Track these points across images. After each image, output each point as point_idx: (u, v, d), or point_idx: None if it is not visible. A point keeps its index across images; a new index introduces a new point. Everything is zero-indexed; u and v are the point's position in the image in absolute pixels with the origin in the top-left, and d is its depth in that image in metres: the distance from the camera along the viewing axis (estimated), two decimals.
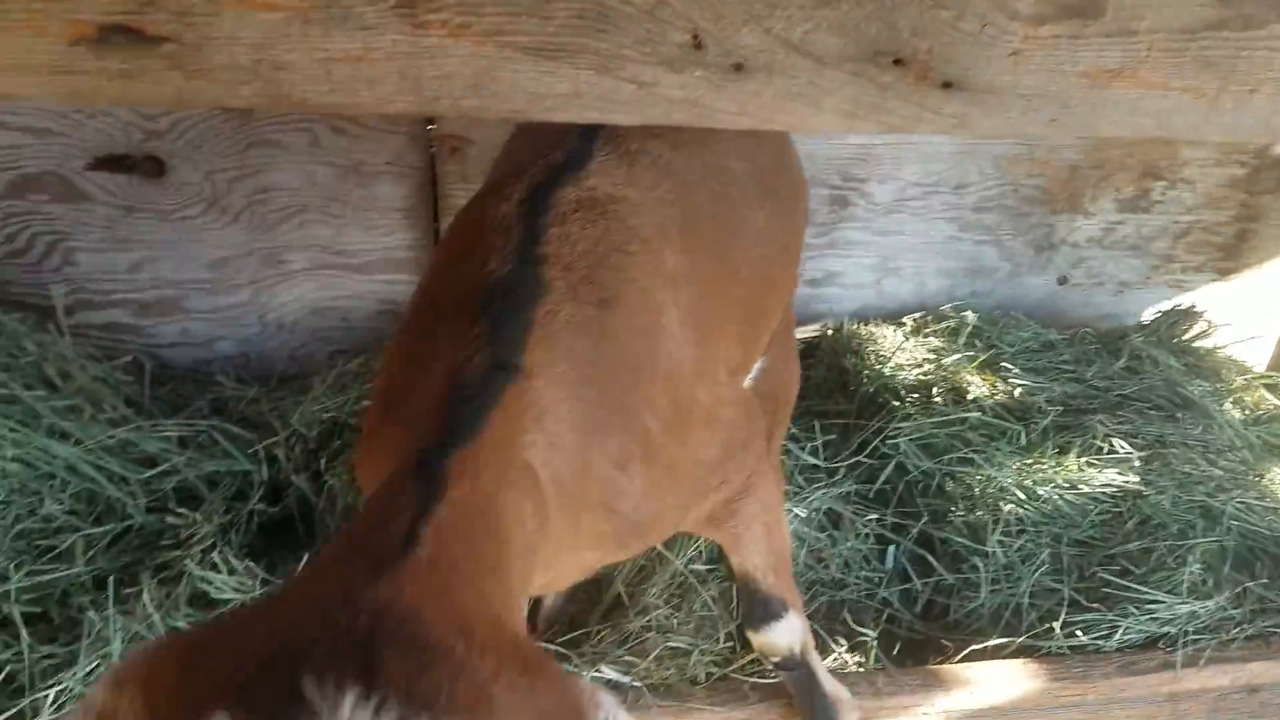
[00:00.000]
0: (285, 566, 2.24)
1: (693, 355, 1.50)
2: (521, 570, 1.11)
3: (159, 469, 2.33)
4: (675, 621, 2.08)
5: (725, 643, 2.05)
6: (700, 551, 2.19)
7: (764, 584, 1.73)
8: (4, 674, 1.88)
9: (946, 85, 1.26)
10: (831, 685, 1.89)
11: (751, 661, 1.98)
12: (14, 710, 1.83)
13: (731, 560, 1.76)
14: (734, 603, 2.08)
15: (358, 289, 2.90)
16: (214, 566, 2.04)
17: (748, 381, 1.97)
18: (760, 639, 1.80)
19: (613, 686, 1.91)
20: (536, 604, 2.18)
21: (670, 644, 1.99)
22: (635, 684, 1.92)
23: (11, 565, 2.03)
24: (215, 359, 2.91)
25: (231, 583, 2.04)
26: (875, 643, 2.18)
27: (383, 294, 2.92)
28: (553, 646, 2.06)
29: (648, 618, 2.08)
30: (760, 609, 1.76)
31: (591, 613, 2.19)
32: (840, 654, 2.14)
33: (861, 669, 2.12)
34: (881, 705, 1.99)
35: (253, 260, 2.78)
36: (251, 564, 2.10)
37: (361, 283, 2.88)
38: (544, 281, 1.34)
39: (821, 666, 1.89)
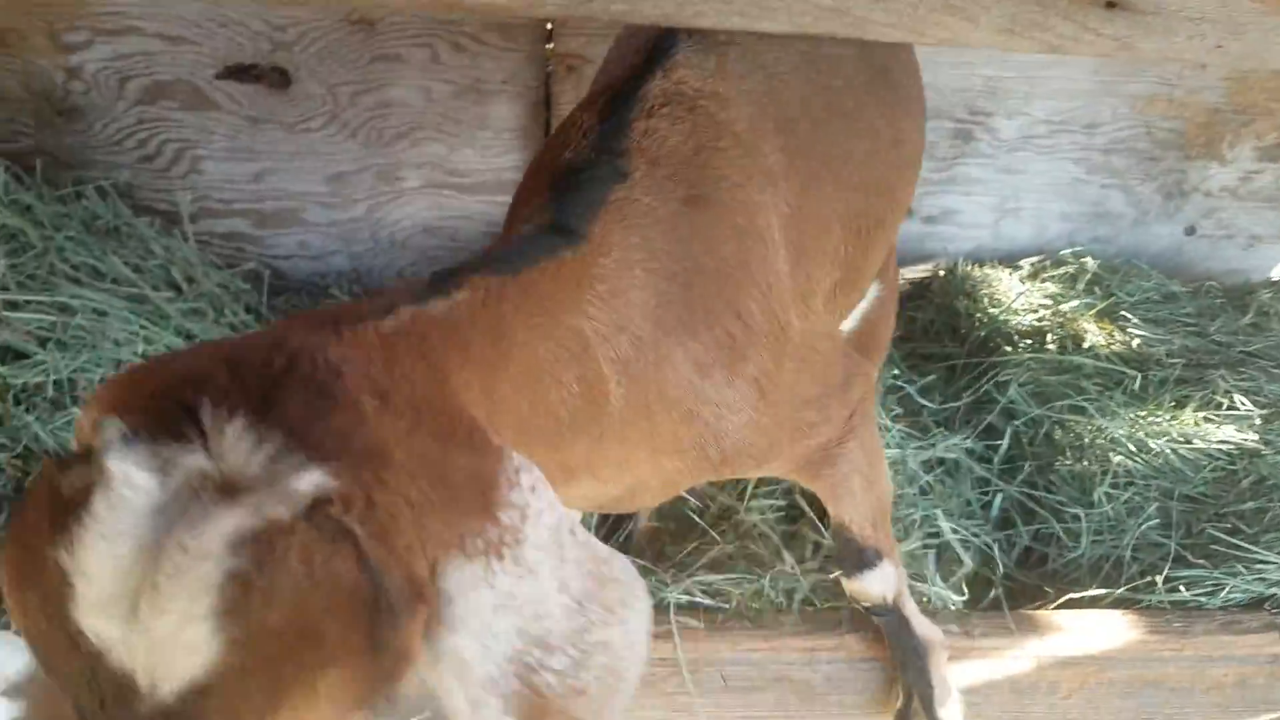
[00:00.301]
0: None
1: (789, 271, 1.41)
2: (557, 437, 1.07)
3: None
4: (764, 549, 2.09)
5: (816, 571, 2.06)
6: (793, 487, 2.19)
7: (860, 536, 1.69)
8: None
9: (1110, 4, 1.20)
10: (923, 628, 1.87)
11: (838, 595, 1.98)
12: None
13: (828, 509, 1.70)
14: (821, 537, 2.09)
15: (467, 209, 2.93)
16: None
17: (856, 312, 1.93)
18: (853, 586, 1.78)
19: (698, 608, 1.93)
20: (627, 525, 2.21)
21: (754, 571, 2.00)
22: (723, 605, 1.94)
23: None
24: (329, 273, 2.99)
25: None
26: (968, 586, 2.16)
27: (491, 215, 2.94)
28: (640, 561, 2.09)
29: (736, 544, 2.10)
30: (854, 558, 1.73)
31: (685, 538, 2.22)
32: (935, 593, 2.13)
33: (955, 610, 2.11)
34: (973, 646, 1.98)
35: (369, 176, 2.83)
36: None
37: (471, 203, 2.91)
38: (623, 171, 1.27)
39: (914, 611, 1.87)
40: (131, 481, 0.70)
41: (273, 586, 0.69)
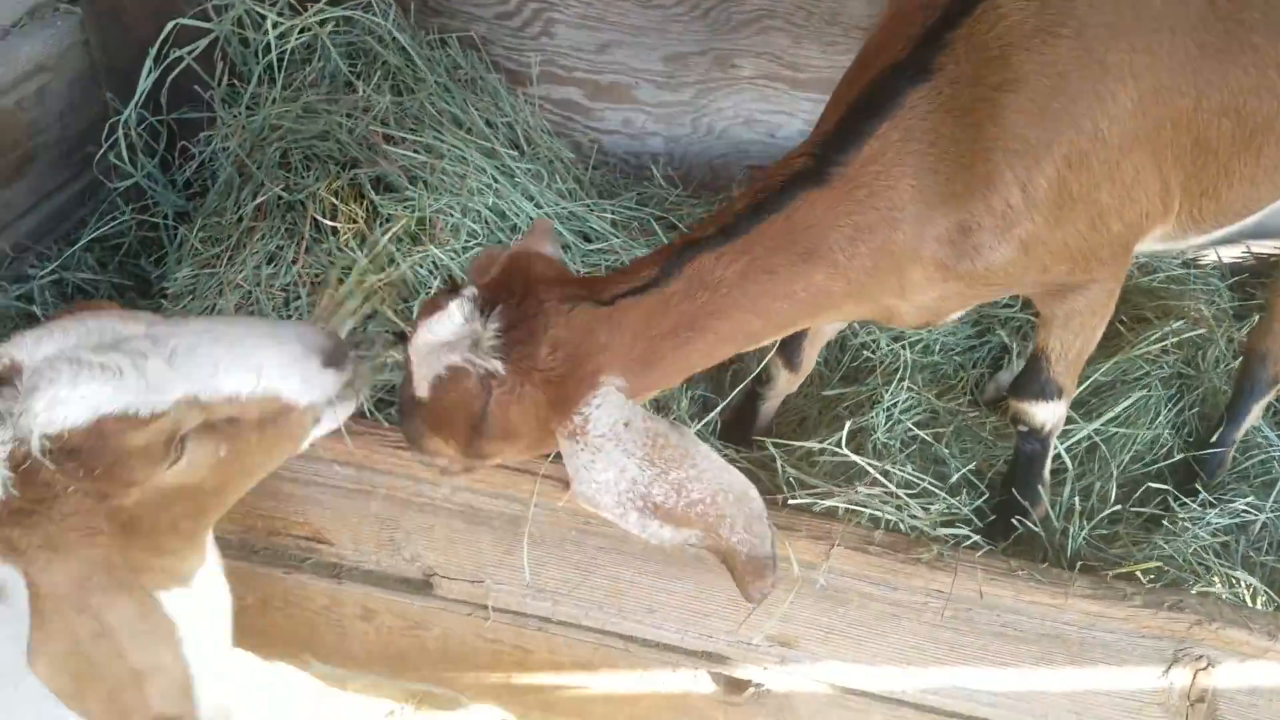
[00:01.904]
0: None
1: (1107, 162, 1.58)
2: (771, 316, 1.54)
3: (595, 245, 2.53)
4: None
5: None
6: None
7: (1052, 367, 1.82)
8: None
9: None
10: (1047, 476, 1.96)
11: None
12: None
13: (1038, 333, 1.86)
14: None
15: (792, 105, 2.90)
16: None
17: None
18: (1023, 406, 1.88)
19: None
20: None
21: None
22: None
23: None
24: (645, 153, 3.06)
25: None
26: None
27: (813, 115, 2.90)
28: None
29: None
30: (1037, 385, 1.85)
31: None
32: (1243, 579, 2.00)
33: (1265, 611, 1.97)
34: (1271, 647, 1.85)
35: (706, 60, 2.85)
36: None
37: (800, 99, 2.87)
38: (929, 68, 1.52)
39: (1050, 456, 1.96)
40: (451, 315, 1.41)
41: (451, 387, 1.42)
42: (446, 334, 1.39)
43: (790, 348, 2.12)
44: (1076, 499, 1.98)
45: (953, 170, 1.53)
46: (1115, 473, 2.10)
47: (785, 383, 2.21)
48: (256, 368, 1.38)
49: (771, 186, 1.52)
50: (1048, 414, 1.87)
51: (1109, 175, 1.61)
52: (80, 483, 1.27)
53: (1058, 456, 2.08)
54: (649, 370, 1.48)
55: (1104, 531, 1.95)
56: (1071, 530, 1.90)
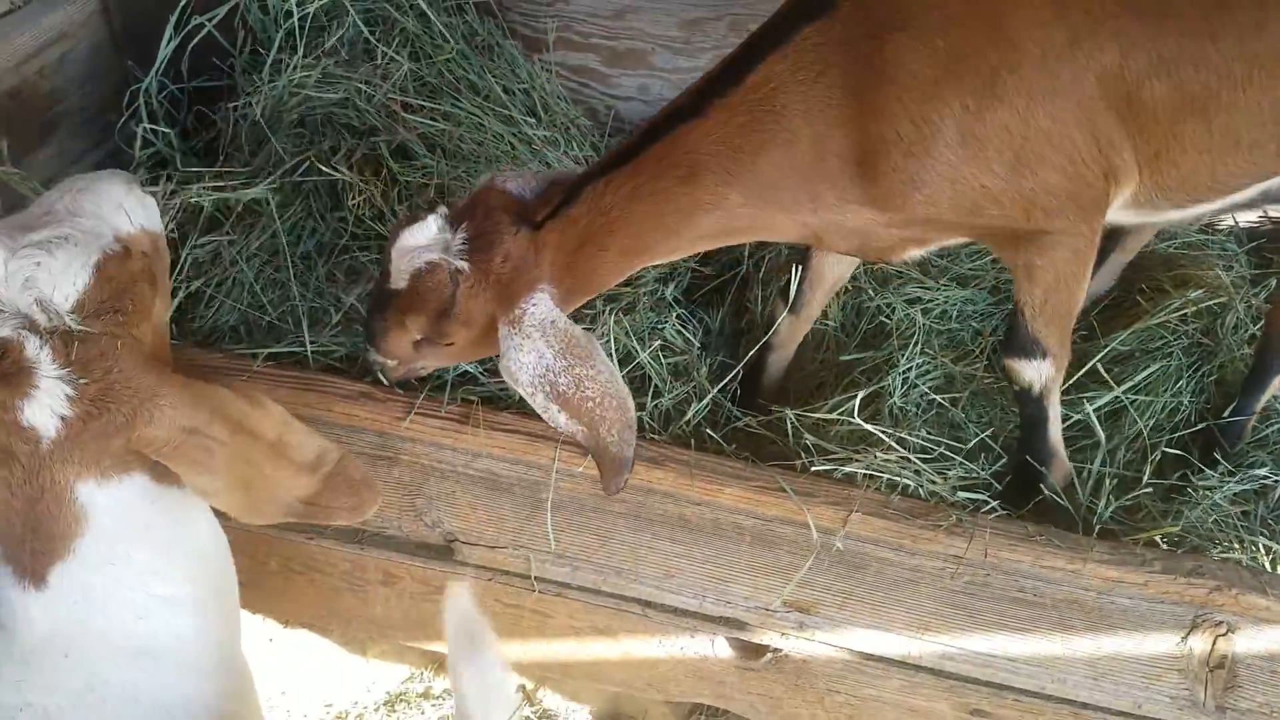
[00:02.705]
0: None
1: (1015, 108, 1.64)
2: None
3: None
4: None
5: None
6: None
7: (1030, 324, 1.85)
8: None
9: None
10: (1057, 438, 1.96)
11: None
12: None
13: (1013, 289, 1.89)
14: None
15: None
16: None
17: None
18: (1009, 363, 1.92)
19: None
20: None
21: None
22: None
23: None
24: None
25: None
26: None
27: None
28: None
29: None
30: (1018, 342, 1.89)
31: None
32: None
33: None
34: None
35: (722, 25, 2.83)
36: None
37: None
38: (829, 5, 1.67)
39: (1057, 418, 1.96)
40: (429, 224, 1.72)
41: (426, 277, 1.70)
42: (424, 238, 1.72)
43: (787, 287, 2.15)
44: (1106, 469, 1.97)
45: (843, 98, 1.68)
46: (1147, 439, 2.09)
47: (789, 328, 2.24)
48: (119, 203, 1.49)
49: (656, 120, 1.76)
50: (1033, 373, 1.89)
51: (1020, 120, 1.66)
52: (122, 333, 1.36)
53: (1081, 424, 2.07)
54: (571, 279, 1.76)
55: (1127, 503, 1.95)
56: (1099, 504, 1.89)
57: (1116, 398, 2.09)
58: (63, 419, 1.30)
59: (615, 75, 3.00)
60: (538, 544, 1.97)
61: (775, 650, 2.01)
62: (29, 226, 1.39)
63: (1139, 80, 1.69)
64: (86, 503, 1.34)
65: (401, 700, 2.66)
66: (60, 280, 1.33)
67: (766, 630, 1.98)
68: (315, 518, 1.51)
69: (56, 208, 1.44)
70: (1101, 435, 1.98)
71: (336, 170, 2.16)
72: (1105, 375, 2.05)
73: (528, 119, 2.56)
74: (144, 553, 1.39)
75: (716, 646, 2.05)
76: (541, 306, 1.71)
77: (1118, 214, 1.89)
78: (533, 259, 1.72)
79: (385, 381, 1.90)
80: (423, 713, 2.66)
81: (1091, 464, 1.97)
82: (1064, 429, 2.02)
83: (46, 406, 1.30)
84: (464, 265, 1.69)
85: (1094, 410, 2.04)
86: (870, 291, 2.39)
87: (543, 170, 2.25)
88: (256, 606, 2.45)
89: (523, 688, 2.73)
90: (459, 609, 1.48)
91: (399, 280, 1.74)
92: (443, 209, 1.75)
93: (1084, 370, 2.11)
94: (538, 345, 1.68)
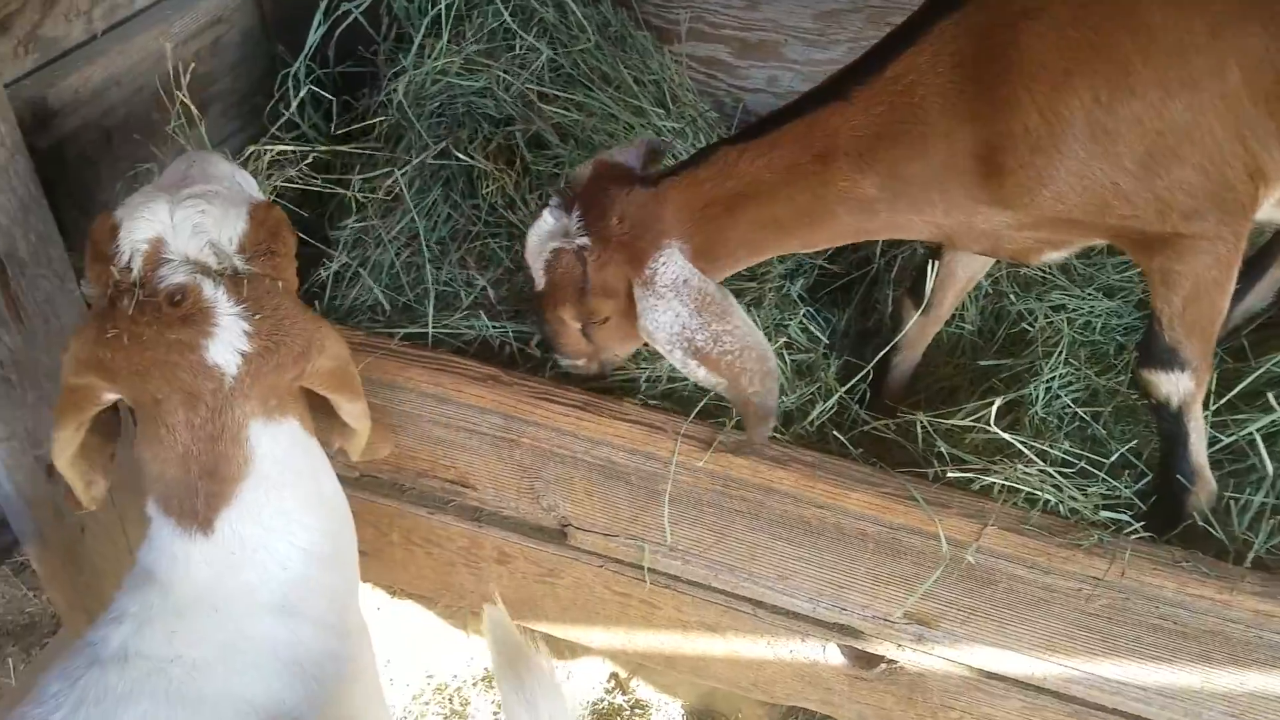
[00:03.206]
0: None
1: (1147, 100, 1.56)
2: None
3: None
4: None
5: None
6: None
7: (1167, 333, 1.76)
8: None
9: None
10: (1200, 459, 1.85)
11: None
12: None
13: (1151, 296, 1.79)
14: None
15: None
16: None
17: None
18: (1144, 374, 1.83)
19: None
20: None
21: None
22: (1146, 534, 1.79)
23: None
24: None
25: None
26: None
27: None
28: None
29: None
30: (1154, 352, 1.79)
31: None
32: None
33: None
34: None
35: (860, 17, 2.76)
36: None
37: None
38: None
39: (1200, 437, 1.84)
40: (544, 219, 1.79)
41: (556, 266, 1.76)
42: (545, 231, 1.77)
43: (917, 285, 2.08)
44: (1269, 499, 1.85)
45: (977, 90, 1.64)
46: None
47: (918, 330, 2.17)
48: (233, 175, 1.58)
49: (797, 102, 1.76)
50: (1171, 386, 1.79)
51: (1155, 114, 1.58)
52: (281, 271, 1.45)
53: (1230, 447, 1.96)
54: (702, 237, 1.76)
55: None
56: (1257, 536, 1.77)
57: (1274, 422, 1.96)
58: (243, 355, 1.36)
59: (744, 67, 2.97)
60: (651, 535, 1.96)
61: (890, 661, 1.96)
62: (173, 188, 1.46)
63: None
64: (255, 444, 1.39)
65: None
66: (224, 225, 1.40)
67: (883, 640, 1.93)
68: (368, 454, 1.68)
69: (190, 173, 1.51)
70: (1269, 465, 1.86)
71: (472, 158, 2.19)
72: (1272, 400, 1.91)
73: (657, 110, 2.56)
74: (292, 501, 1.43)
75: (828, 653, 2.01)
76: (673, 265, 1.72)
77: (1270, 211, 1.77)
78: (654, 214, 1.73)
79: (590, 375, 1.98)
80: None
81: (1250, 492, 1.85)
82: (1216, 452, 1.91)
83: (228, 344, 1.35)
84: (585, 240, 1.73)
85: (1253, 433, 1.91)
86: (1012, 296, 2.30)
87: (637, 138, 2.24)
88: (376, 576, 2.52)
89: (615, 676, 2.74)
90: (498, 632, 1.47)
91: (540, 281, 1.80)
92: (554, 199, 1.80)
93: (1236, 391, 1.98)
94: (673, 304, 1.70)
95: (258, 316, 1.36)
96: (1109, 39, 1.58)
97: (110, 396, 1.40)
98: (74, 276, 1.96)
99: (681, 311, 1.69)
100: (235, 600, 1.38)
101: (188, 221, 1.38)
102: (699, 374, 1.72)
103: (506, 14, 2.45)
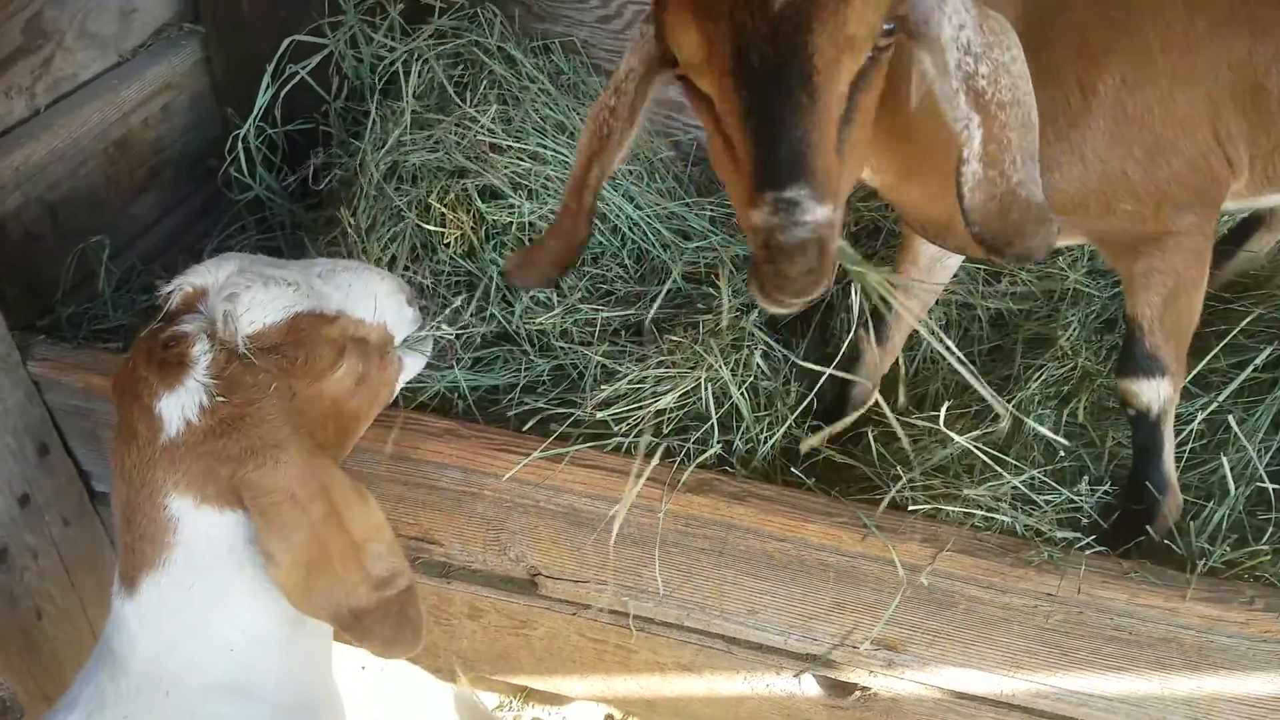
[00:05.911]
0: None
1: (1160, 88, 1.59)
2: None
3: (695, 243, 2.54)
4: None
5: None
6: None
7: (1148, 339, 1.77)
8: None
9: None
10: (1171, 469, 1.88)
11: None
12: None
13: (1127, 302, 1.80)
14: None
15: None
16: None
17: None
18: (1125, 384, 1.84)
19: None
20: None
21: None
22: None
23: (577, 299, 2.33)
24: None
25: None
26: None
27: None
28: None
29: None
30: (1136, 360, 1.80)
31: None
32: None
33: None
34: None
35: None
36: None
37: None
38: None
39: (1171, 447, 1.87)
40: None
41: None
42: None
43: (871, 319, 2.11)
44: (1228, 515, 1.90)
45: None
46: (1261, 464, 2.00)
47: (873, 361, 2.18)
48: (374, 295, 1.61)
49: None
50: (1152, 394, 1.81)
51: (1163, 104, 1.63)
52: (280, 378, 1.42)
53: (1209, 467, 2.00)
54: None
55: (1243, 555, 1.86)
56: (1214, 549, 1.81)
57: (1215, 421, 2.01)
58: (187, 424, 1.36)
59: None
60: (619, 579, 1.98)
61: (864, 688, 1.98)
62: (290, 270, 1.53)
63: (1264, 67, 1.65)
64: (179, 517, 1.38)
65: None
66: (255, 307, 1.43)
67: (854, 668, 1.96)
68: (351, 632, 1.44)
69: (334, 270, 1.60)
70: (1232, 487, 1.90)
71: (425, 226, 2.23)
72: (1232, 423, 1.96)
73: None
74: (237, 586, 1.42)
75: (804, 684, 2.03)
76: None
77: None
78: None
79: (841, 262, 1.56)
80: None
81: (1234, 511, 1.90)
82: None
83: (180, 404, 1.37)
84: None
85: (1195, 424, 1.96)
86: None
87: None
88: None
89: (610, 717, 2.74)
90: (466, 715, 1.47)
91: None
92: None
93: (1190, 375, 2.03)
94: (956, 6, 1.30)
95: (221, 399, 1.37)
96: (1138, 24, 1.62)
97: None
98: (18, 355, 1.96)
99: (966, 20, 1.30)
100: (185, 680, 1.38)
101: (230, 288, 1.43)
102: (968, 133, 1.33)
103: (445, 80, 2.50)
